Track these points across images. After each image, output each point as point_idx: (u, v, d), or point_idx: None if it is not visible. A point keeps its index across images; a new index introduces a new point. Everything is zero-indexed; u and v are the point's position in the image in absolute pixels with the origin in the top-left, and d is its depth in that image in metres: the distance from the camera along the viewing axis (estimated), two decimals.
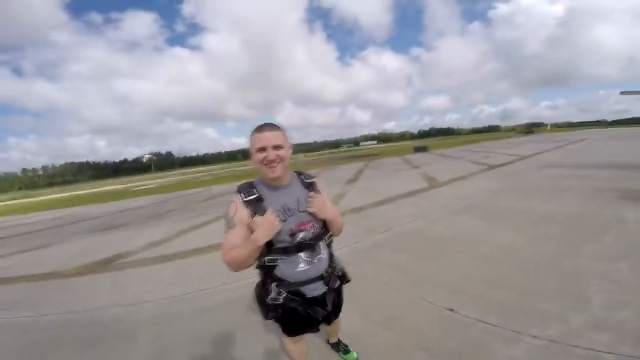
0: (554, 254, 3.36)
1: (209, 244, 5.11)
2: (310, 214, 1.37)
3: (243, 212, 1.30)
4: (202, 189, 16.98)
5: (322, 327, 1.67)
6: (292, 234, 1.34)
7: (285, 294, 1.37)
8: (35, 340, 2.78)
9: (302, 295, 1.40)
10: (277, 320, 1.47)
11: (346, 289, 1.71)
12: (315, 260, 1.40)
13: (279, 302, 1.38)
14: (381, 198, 7.32)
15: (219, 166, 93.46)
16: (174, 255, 4.82)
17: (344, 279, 1.61)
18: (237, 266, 1.27)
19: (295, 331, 1.54)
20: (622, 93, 16.76)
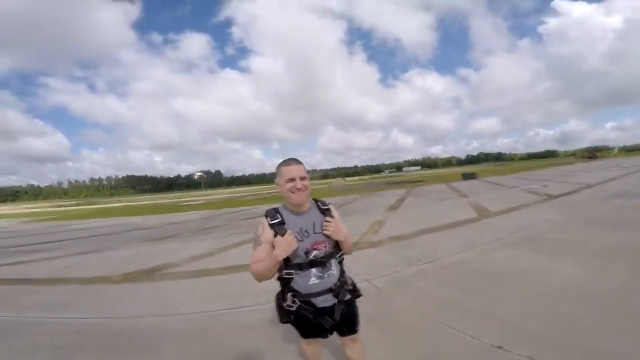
0: (620, 290, 2.94)
1: (247, 262, 5.12)
2: (325, 235, 1.61)
3: (268, 233, 1.56)
4: (246, 208, 17.52)
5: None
6: (307, 252, 1.58)
7: (299, 303, 1.60)
8: (66, 342, 2.90)
9: (312, 305, 1.62)
10: (292, 324, 1.70)
11: (384, 320, 1.66)
12: (326, 275, 1.62)
13: (292, 309, 1.61)
14: (425, 227, 6.91)
15: (263, 187, 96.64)
16: (213, 271, 4.90)
17: (354, 292, 1.75)
18: (260, 277, 1.56)
19: (308, 335, 1.78)
20: None
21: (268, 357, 2.45)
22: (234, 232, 8.66)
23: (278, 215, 1.61)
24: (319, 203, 1.73)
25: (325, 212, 1.69)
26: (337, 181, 52.19)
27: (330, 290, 1.63)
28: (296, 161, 1.64)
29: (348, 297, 1.71)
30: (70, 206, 47.48)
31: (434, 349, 2.34)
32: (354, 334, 1.80)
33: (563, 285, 3.22)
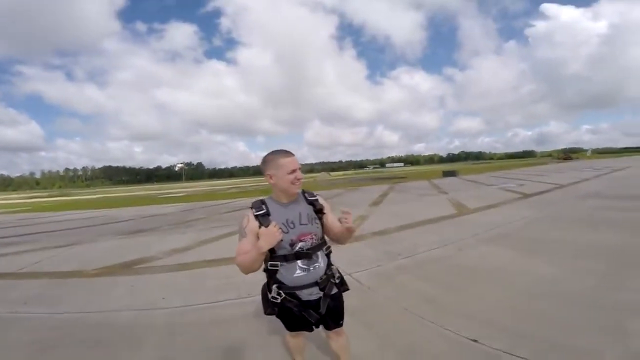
0: (593, 288, 3.09)
1: (229, 255, 5.09)
2: (311, 227, 1.62)
3: (253, 224, 1.54)
4: (228, 201, 17.30)
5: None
6: (292, 244, 1.56)
7: (284, 295, 1.59)
8: (42, 338, 2.79)
9: (297, 298, 1.61)
10: (276, 316, 1.69)
11: (366, 314, 1.65)
12: (312, 268, 1.61)
13: (277, 301, 1.60)
14: (406, 222, 7.05)
15: (246, 179, 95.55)
16: (193, 264, 4.84)
17: (342, 286, 1.76)
18: (245, 269, 1.53)
19: (293, 327, 1.78)
20: None
21: (251, 349, 2.45)
22: (215, 226, 8.54)
23: (263, 206, 1.59)
24: (306, 194, 1.71)
25: (313, 202, 1.68)
26: (322, 175, 52.34)
27: (316, 283, 1.62)
28: (292, 154, 1.62)
29: (335, 291, 1.71)
30: (43, 197, 45.45)
31: (412, 342, 2.40)
32: (339, 327, 1.80)
33: (537, 282, 3.35)
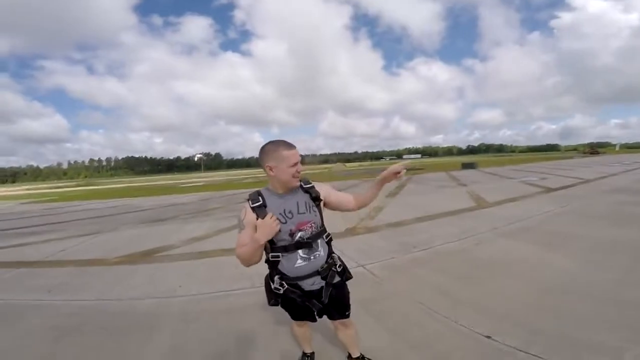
0: (615, 283, 2.98)
1: None
2: (309, 215, 1.60)
3: (251, 216, 1.53)
4: (246, 190, 17.54)
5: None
6: (292, 234, 1.55)
7: (286, 286, 1.60)
8: (61, 324, 2.92)
9: (300, 288, 1.62)
10: (281, 306, 1.70)
11: (377, 306, 1.65)
12: (312, 257, 1.60)
13: (280, 292, 1.61)
14: (423, 214, 6.95)
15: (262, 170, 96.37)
16: (211, 252, 4.94)
17: (344, 274, 1.73)
18: (245, 261, 1.53)
19: (297, 317, 1.80)
20: None
21: (262, 338, 2.49)
22: (233, 215, 8.68)
23: (260, 198, 1.57)
24: (302, 182, 1.67)
25: (309, 190, 1.65)
26: (337, 166, 52.09)
27: (317, 272, 1.61)
28: (294, 146, 1.58)
29: (337, 279, 1.69)
30: (70, 187, 47.43)
31: (424, 337, 2.37)
32: (344, 318, 1.79)
33: (556, 277, 3.25)
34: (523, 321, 2.45)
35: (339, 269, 1.71)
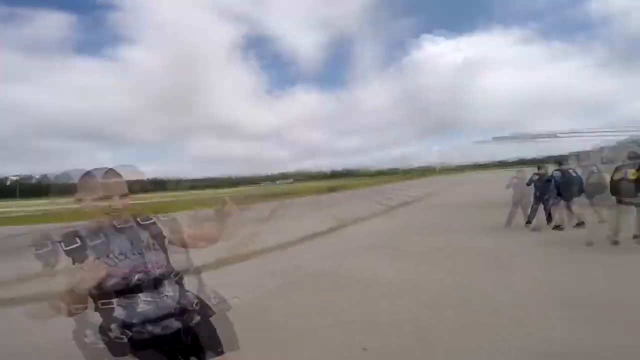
0: (451, 287, 3.77)
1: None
2: (149, 256, 1.41)
3: (65, 262, 1.28)
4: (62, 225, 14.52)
5: None
6: (126, 277, 1.35)
7: (130, 333, 1.35)
8: None
9: (150, 333, 1.38)
10: (133, 355, 1.40)
11: (258, 336, 1.59)
12: (159, 300, 1.41)
13: (123, 341, 1.34)
14: (292, 238, 7.30)
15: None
16: None
17: (204, 312, 1.57)
18: (68, 314, 1.27)
19: None
20: (494, 139, 18.23)
21: None
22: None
23: (76, 239, 1.33)
24: (139, 218, 1.49)
25: (148, 227, 1.48)
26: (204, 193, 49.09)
27: (169, 315, 1.43)
28: (116, 174, 1.37)
29: (197, 318, 1.52)
30: None
31: (302, 355, 2.51)
32: (219, 355, 1.60)
33: (410, 286, 3.88)
34: (389, 332, 2.80)
35: (196, 307, 1.54)
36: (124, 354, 1.40)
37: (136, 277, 1.37)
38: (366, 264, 4.97)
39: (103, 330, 1.42)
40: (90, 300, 1.34)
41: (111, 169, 1.37)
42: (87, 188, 1.33)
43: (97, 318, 1.41)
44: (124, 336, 1.36)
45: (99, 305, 1.36)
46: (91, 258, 1.25)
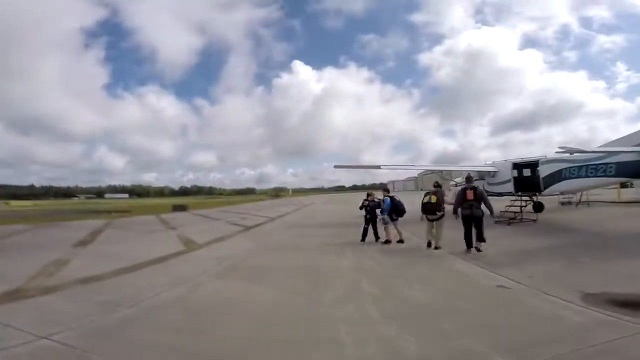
0: (304, 306, 3.79)
1: None
2: None
3: None
4: None
5: None
6: None
7: None
8: None
9: None
10: None
11: None
12: None
13: None
14: (126, 264, 5.91)
15: None
16: None
17: None
18: None
19: None
20: (335, 167, 20.96)
21: None
22: None
23: None
24: None
25: None
26: None
27: None
28: None
29: None
30: None
31: None
32: None
33: (267, 309, 3.69)
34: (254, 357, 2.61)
35: None
36: None
37: None
38: (219, 290, 4.52)
39: None
40: None
41: None
42: None
43: None
44: None
45: None
46: None
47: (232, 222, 14.26)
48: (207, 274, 5.31)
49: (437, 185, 7.54)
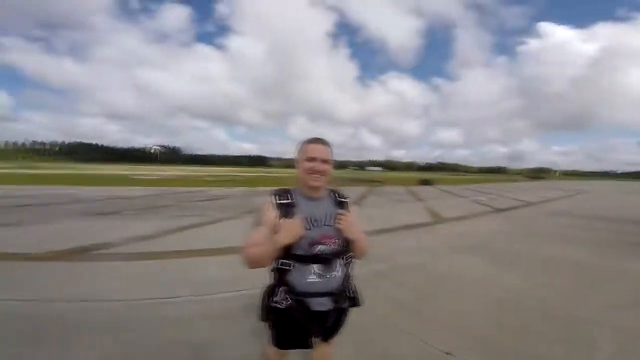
0: (560, 301, 3.21)
1: (190, 248, 4.79)
2: (335, 230, 1.40)
3: (273, 214, 1.35)
4: (204, 189, 16.72)
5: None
6: (312, 244, 1.37)
7: (290, 301, 1.38)
8: None
9: (306, 306, 1.40)
10: (272, 326, 1.47)
11: None
12: (328, 276, 1.41)
13: (281, 307, 1.38)
14: (383, 227, 6.96)
15: (224, 169, 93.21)
16: (153, 255, 4.48)
17: (354, 301, 1.55)
18: (253, 263, 1.31)
19: (286, 344, 1.51)
20: None
21: (208, 353, 2.20)
22: (185, 214, 8.13)
23: (288, 195, 1.42)
24: (336, 194, 1.53)
25: (342, 204, 1.49)
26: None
27: (330, 293, 1.43)
28: (322, 141, 1.44)
29: (346, 304, 1.51)
30: (5, 169, 42.30)
31: (386, 352, 2.29)
32: (327, 341, 1.59)
33: (509, 295, 3.35)
34: (479, 337, 2.46)
35: (351, 294, 1.54)
36: (269, 321, 1.45)
37: (319, 247, 1.39)
38: (460, 265, 4.40)
39: (266, 292, 1.47)
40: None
41: (320, 138, 1.44)
42: (301, 150, 1.43)
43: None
44: (284, 302, 1.38)
45: (279, 264, 1.39)
46: (297, 216, 1.34)
47: (479, 202, 13.32)
48: (451, 247, 5.31)
49: None
